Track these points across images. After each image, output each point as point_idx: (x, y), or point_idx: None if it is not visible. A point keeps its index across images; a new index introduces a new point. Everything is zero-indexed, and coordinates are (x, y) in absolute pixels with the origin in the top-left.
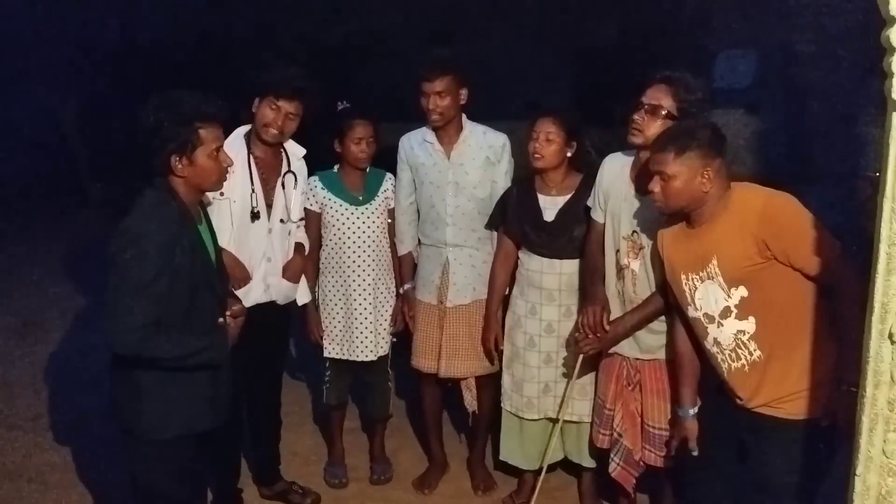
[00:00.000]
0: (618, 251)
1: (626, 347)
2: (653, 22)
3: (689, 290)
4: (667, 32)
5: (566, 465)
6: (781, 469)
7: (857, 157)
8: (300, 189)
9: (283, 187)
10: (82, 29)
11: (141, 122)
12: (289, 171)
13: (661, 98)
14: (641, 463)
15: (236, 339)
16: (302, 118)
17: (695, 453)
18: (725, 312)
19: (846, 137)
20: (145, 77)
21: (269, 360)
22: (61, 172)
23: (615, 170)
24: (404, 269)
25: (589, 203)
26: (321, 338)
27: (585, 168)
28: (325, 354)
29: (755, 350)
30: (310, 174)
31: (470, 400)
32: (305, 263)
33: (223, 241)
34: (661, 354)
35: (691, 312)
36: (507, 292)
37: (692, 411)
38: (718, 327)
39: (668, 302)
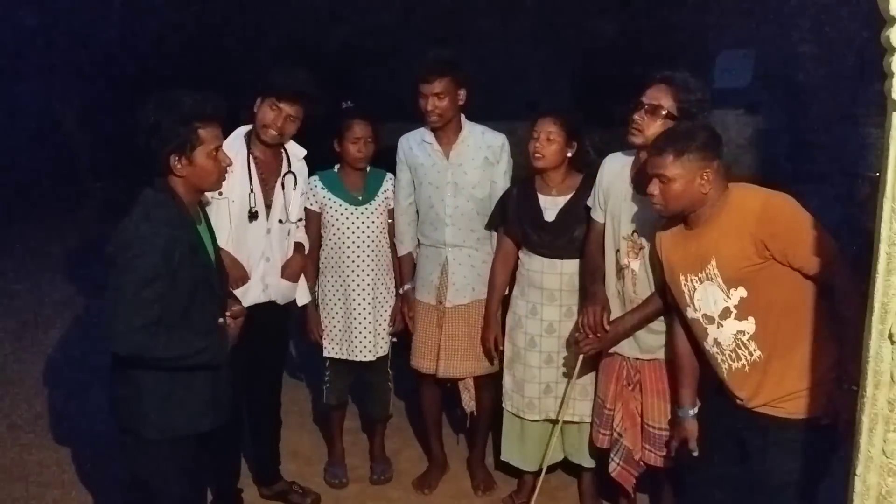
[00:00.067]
0: (618, 251)
1: (626, 347)
2: (653, 22)
3: (689, 291)
4: (667, 32)
5: (566, 465)
6: (781, 469)
7: (857, 157)
8: (300, 190)
9: (283, 188)
10: (83, 28)
11: (140, 121)
12: (289, 171)
13: (661, 98)
14: (641, 463)
15: (236, 340)
16: (302, 121)
17: (695, 454)
18: (725, 313)
19: (846, 137)
20: (145, 76)
21: (269, 360)
22: (61, 172)
23: (615, 170)
24: (404, 269)
25: (589, 203)
26: (321, 338)
27: (585, 168)
28: (325, 354)
29: (755, 350)
30: (310, 174)
31: (468, 400)
32: (305, 263)
33: (221, 241)
34: (661, 354)
35: (690, 313)
36: (506, 292)
37: (692, 412)
38: (718, 328)
39: (667, 303)
